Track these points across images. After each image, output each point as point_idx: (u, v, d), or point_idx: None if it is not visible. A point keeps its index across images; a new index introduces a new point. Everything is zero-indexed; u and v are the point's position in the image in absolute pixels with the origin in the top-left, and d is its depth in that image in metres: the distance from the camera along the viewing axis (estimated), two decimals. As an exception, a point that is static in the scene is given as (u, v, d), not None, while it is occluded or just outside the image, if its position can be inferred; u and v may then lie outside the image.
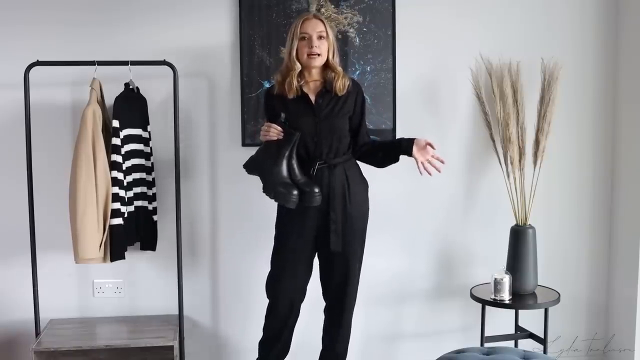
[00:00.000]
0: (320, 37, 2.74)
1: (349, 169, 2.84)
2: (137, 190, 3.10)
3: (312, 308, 3.05)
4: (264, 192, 2.77)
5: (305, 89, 2.79)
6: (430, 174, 2.80)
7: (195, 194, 3.29)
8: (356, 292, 2.95)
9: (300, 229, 2.81)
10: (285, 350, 2.99)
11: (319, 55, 2.74)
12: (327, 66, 2.79)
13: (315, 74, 2.80)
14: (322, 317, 3.01)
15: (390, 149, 2.88)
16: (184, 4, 3.18)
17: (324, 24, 2.76)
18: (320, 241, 2.83)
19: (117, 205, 2.95)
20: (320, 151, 2.77)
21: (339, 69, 2.80)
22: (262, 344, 2.99)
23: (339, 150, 2.80)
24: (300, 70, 2.77)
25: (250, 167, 2.86)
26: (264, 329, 2.97)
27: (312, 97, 2.79)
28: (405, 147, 2.82)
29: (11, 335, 3.27)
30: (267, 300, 2.98)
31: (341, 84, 2.77)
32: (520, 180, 3.25)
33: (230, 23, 3.22)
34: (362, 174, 2.92)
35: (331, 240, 2.80)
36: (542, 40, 3.34)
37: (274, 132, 2.71)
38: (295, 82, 2.74)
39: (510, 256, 3.23)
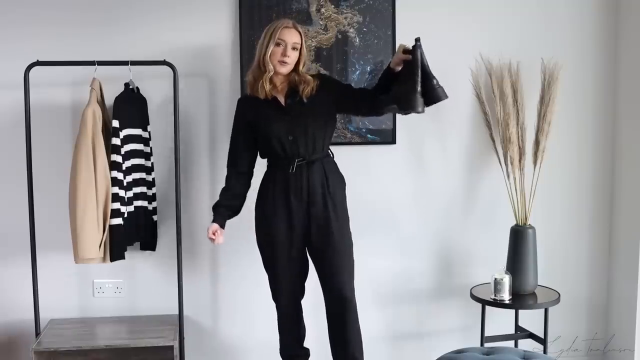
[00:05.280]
0: (294, 48, 2.80)
1: (327, 164, 2.90)
2: (137, 190, 3.10)
3: (314, 308, 3.06)
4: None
5: (273, 92, 2.85)
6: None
7: (195, 194, 3.29)
8: (352, 288, 2.92)
9: (286, 229, 2.85)
10: (303, 339, 3.11)
11: (287, 64, 2.80)
12: (294, 72, 2.85)
13: (282, 77, 2.86)
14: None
15: (384, 77, 2.87)
16: (184, 4, 3.18)
17: (301, 37, 2.83)
18: (305, 238, 2.88)
19: (117, 205, 2.96)
20: (297, 149, 2.82)
21: (309, 77, 2.86)
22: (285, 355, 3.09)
23: (316, 146, 2.84)
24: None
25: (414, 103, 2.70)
26: (280, 339, 3.08)
27: (281, 99, 2.85)
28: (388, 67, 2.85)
29: (11, 335, 3.28)
30: (266, 300, 2.99)
31: (309, 91, 2.83)
32: (520, 180, 3.25)
33: (230, 23, 3.22)
34: (339, 170, 2.95)
35: (312, 235, 2.85)
36: (542, 40, 3.34)
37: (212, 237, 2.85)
38: (267, 85, 2.81)
39: (510, 256, 3.23)
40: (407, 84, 2.69)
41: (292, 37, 2.79)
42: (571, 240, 3.50)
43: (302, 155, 2.83)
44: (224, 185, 2.95)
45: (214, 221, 2.90)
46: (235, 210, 2.95)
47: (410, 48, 2.70)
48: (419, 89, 2.67)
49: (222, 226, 2.90)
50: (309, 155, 2.84)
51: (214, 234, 2.85)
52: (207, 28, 3.20)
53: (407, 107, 2.69)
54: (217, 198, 3.29)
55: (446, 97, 2.71)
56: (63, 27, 3.14)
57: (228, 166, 2.96)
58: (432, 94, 2.70)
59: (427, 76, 2.70)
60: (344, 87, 2.98)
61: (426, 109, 2.74)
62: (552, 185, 3.41)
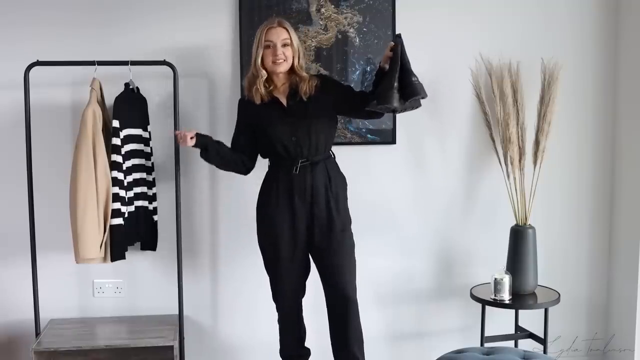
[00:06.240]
0: (284, 45, 2.80)
1: (329, 165, 2.90)
2: (138, 190, 3.10)
3: (314, 308, 3.06)
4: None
5: (275, 93, 2.86)
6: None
7: (195, 194, 3.29)
8: (354, 288, 2.93)
9: (289, 230, 2.85)
10: (303, 339, 3.10)
11: (284, 60, 2.80)
12: (292, 70, 2.85)
13: (283, 77, 2.86)
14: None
15: (376, 76, 2.88)
16: (184, 5, 3.18)
17: (288, 32, 2.83)
18: (307, 239, 2.88)
19: (117, 205, 2.96)
20: (300, 150, 2.83)
21: (304, 74, 2.86)
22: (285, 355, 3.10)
23: (318, 147, 2.85)
24: (268, 76, 2.84)
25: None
26: (280, 339, 3.08)
27: (283, 100, 2.86)
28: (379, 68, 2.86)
29: (11, 335, 3.27)
30: (266, 300, 2.99)
31: (307, 89, 2.83)
32: (520, 180, 3.25)
33: (230, 23, 3.22)
34: (340, 170, 2.96)
35: (315, 235, 2.85)
36: (542, 40, 3.34)
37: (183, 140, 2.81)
38: (262, 90, 2.82)
39: (510, 256, 3.23)
40: (386, 79, 2.73)
41: (278, 35, 2.79)
42: (571, 240, 3.50)
43: (306, 156, 2.83)
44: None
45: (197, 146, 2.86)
46: (223, 155, 2.90)
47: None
48: (395, 84, 2.71)
49: (198, 137, 2.84)
50: (312, 156, 2.84)
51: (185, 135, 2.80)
52: (207, 28, 3.20)
53: (383, 102, 2.73)
54: (218, 198, 3.30)
55: (424, 93, 2.74)
56: (63, 27, 3.14)
57: None
58: (409, 89, 2.72)
59: (406, 72, 2.73)
60: (345, 89, 2.98)
61: (420, 111, 2.79)
62: (552, 185, 3.41)
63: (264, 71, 2.80)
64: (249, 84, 2.86)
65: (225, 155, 2.91)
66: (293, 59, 2.83)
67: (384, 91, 2.72)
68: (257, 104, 2.84)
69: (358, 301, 2.94)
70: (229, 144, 2.98)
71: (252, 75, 2.84)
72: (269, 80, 2.84)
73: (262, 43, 2.79)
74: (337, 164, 2.95)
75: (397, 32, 2.72)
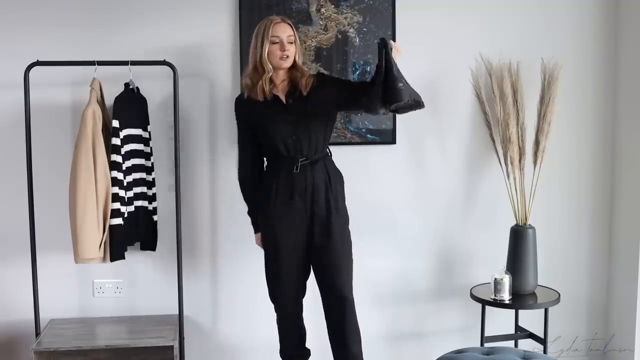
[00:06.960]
0: (289, 42, 2.80)
1: (328, 163, 2.91)
2: (137, 190, 3.10)
3: (314, 309, 3.06)
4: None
5: (274, 91, 2.85)
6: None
7: (195, 194, 3.29)
8: (350, 287, 2.92)
9: (289, 230, 2.85)
10: (304, 339, 3.09)
11: (288, 57, 2.80)
12: (292, 67, 2.85)
13: (282, 74, 2.85)
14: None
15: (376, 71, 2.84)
16: (184, 5, 3.18)
17: (292, 29, 2.83)
18: (308, 238, 2.88)
19: (117, 205, 2.96)
20: (300, 148, 2.83)
21: (305, 69, 2.87)
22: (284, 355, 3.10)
23: (318, 146, 2.85)
24: None
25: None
26: (280, 340, 3.07)
27: (283, 98, 2.85)
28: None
29: (11, 335, 3.28)
30: (266, 300, 2.99)
31: (305, 83, 2.83)
32: (520, 180, 3.25)
33: (230, 23, 3.22)
34: (337, 168, 2.96)
35: (315, 234, 2.85)
36: (542, 40, 3.34)
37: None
38: (267, 85, 2.80)
39: (510, 256, 3.23)
40: (374, 86, 2.70)
41: (285, 31, 2.79)
42: (571, 240, 3.50)
43: (305, 155, 2.83)
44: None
45: (256, 231, 2.99)
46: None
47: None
48: (379, 90, 2.67)
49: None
50: (312, 155, 2.84)
51: None
52: (207, 28, 3.20)
53: (369, 109, 2.70)
54: (218, 198, 3.30)
55: (410, 99, 2.67)
56: (63, 27, 3.14)
57: (240, 165, 2.96)
58: (393, 95, 2.65)
59: (391, 77, 2.66)
60: (343, 81, 2.99)
61: (416, 111, 2.74)
62: (552, 185, 3.41)
63: (270, 66, 2.79)
64: (251, 81, 2.83)
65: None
66: (295, 56, 2.83)
67: (370, 96, 2.69)
68: (256, 101, 2.82)
69: (357, 301, 2.94)
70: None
71: (255, 72, 2.82)
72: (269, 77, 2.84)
73: (268, 38, 2.77)
74: (333, 162, 2.95)
75: (379, 37, 2.68)
